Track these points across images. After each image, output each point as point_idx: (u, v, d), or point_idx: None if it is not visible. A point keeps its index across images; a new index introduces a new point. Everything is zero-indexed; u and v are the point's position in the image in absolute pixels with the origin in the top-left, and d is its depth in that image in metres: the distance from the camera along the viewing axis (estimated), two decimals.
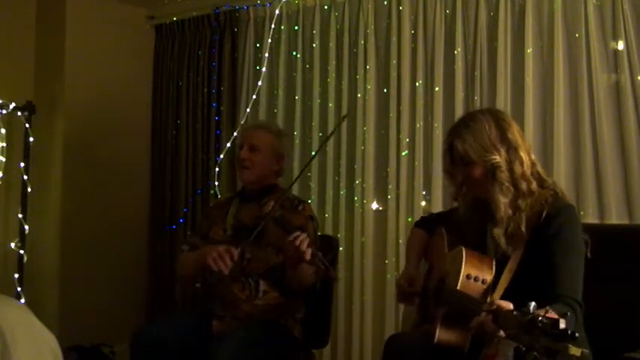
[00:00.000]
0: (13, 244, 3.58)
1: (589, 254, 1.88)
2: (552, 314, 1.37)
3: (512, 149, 1.91)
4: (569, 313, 1.40)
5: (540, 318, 1.36)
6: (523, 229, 1.88)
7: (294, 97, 3.54)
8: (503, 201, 1.89)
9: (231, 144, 3.67)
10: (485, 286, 1.83)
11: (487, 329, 1.59)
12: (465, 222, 2.05)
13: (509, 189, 1.90)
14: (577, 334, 1.32)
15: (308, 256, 2.15)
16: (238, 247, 2.30)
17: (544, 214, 1.86)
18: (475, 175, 1.93)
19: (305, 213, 2.53)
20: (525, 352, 1.36)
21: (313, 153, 3.32)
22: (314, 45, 3.48)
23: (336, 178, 3.38)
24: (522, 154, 1.92)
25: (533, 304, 1.40)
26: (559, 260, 1.81)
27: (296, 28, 3.55)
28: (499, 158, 1.90)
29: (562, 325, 1.33)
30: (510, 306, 1.55)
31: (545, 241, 1.84)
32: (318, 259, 2.18)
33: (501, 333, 1.56)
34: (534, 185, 1.92)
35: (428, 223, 2.32)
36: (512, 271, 1.86)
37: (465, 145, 1.92)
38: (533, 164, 1.96)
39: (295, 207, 2.53)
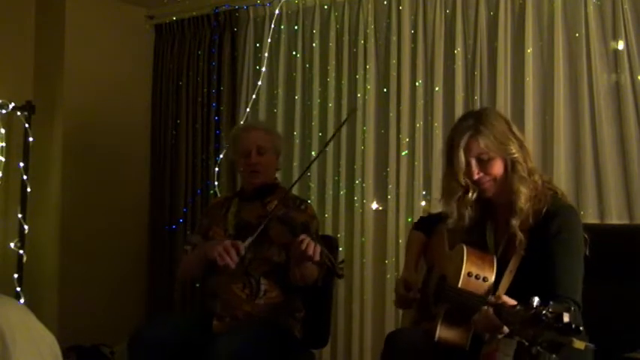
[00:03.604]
0: (12, 244, 3.58)
1: (587, 252, 1.88)
2: (556, 308, 1.37)
3: (520, 143, 1.92)
4: (572, 308, 1.40)
5: (544, 312, 1.36)
6: (531, 220, 1.87)
7: (294, 97, 3.53)
8: (524, 192, 1.87)
9: None
10: (486, 284, 1.81)
11: (492, 323, 1.59)
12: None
13: (528, 180, 1.89)
14: (581, 328, 1.32)
15: (317, 257, 2.18)
16: (245, 240, 2.30)
17: (543, 213, 1.86)
18: (495, 171, 1.90)
19: (308, 212, 2.56)
20: (528, 347, 1.36)
21: (316, 151, 3.31)
22: (314, 45, 3.48)
23: (336, 178, 3.37)
24: (528, 148, 1.94)
25: (536, 298, 1.40)
26: (558, 260, 1.80)
27: (296, 27, 3.55)
28: (515, 151, 1.90)
29: (566, 318, 1.33)
30: (514, 302, 1.55)
31: (544, 241, 1.84)
32: (325, 256, 2.20)
33: (505, 329, 1.55)
34: (540, 179, 1.93)
35: (426, 224, 2.31)
36: (513, 273, 1.85)
37: (486, 141, 1.88)
38: None
39: (298, 206, 2.57)
